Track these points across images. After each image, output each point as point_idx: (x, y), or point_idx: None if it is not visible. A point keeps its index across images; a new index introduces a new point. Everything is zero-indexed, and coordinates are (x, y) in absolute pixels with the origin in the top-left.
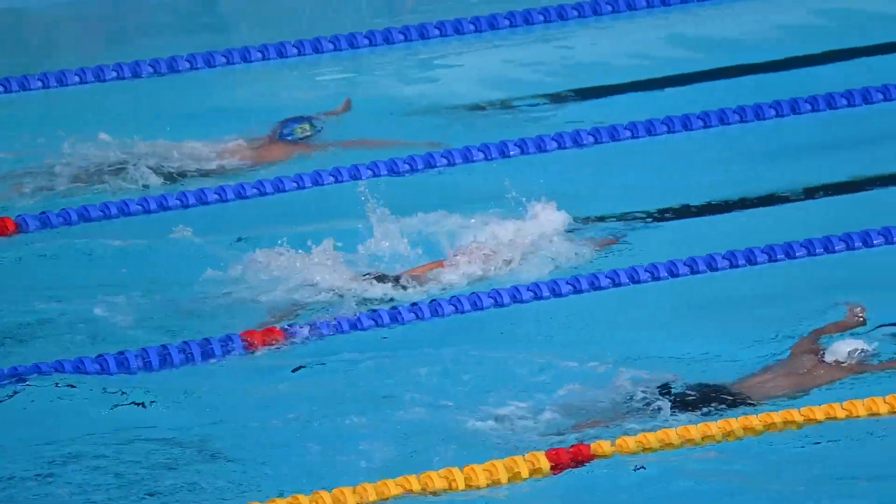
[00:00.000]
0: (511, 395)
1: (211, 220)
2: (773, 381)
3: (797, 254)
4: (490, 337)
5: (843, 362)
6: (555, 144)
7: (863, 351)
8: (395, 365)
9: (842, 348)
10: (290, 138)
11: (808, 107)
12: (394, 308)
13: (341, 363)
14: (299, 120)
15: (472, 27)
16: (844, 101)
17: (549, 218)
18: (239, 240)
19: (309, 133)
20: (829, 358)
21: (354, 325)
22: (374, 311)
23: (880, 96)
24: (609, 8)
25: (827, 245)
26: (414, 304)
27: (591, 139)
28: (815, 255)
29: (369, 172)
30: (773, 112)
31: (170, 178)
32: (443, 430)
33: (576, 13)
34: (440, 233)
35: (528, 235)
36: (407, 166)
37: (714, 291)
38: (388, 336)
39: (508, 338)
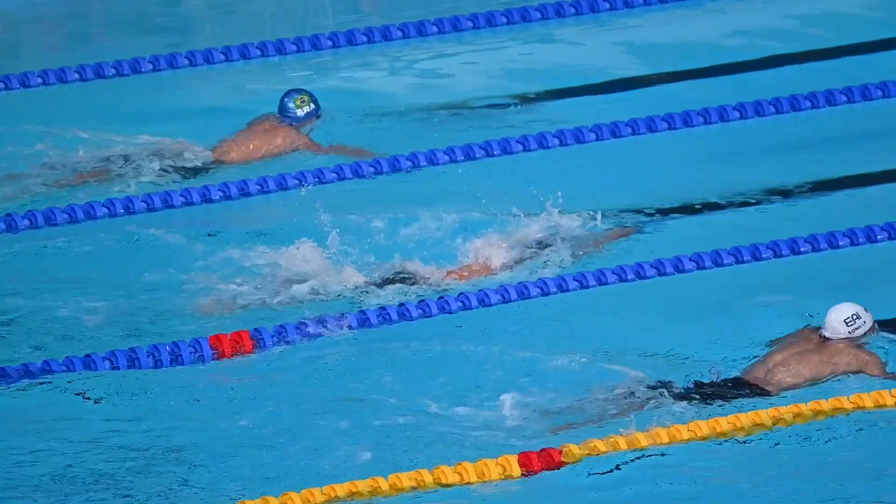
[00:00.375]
0: (487, 396)
1: (186, 221)
2: (775, 375)
3: (763, 255)
4: (463, 338)
5: (843, 337)
6: (520, 147)
7: (857, 315)
8: (371, 367)
9: (836, 321)
10: (290, 115)
11: (773, 109)
12: (362, 312)
13: (313, 365)
14: (298, 91)
15: (434, 29)
16: (808, 104)
17: (546, 220)
18: (209, 236)
19: (309, 107)
20: (828, 335)
21: (327, 328)
22: (342, 314)
23: (844, 98)
24: (572, 10)
25: (793, 246)
26: (382, 307)
27: (556, 141)
28: (782, 256)
29: (334, 175)
30: (737, 114)
31: (155, 177)
32: (420, 432)
33: (539, 15)
34: (416, 235)
35: (519, 240)
36: (371, 169)
37: (687, 292)
38: (360, 338)
39: (481, 339)
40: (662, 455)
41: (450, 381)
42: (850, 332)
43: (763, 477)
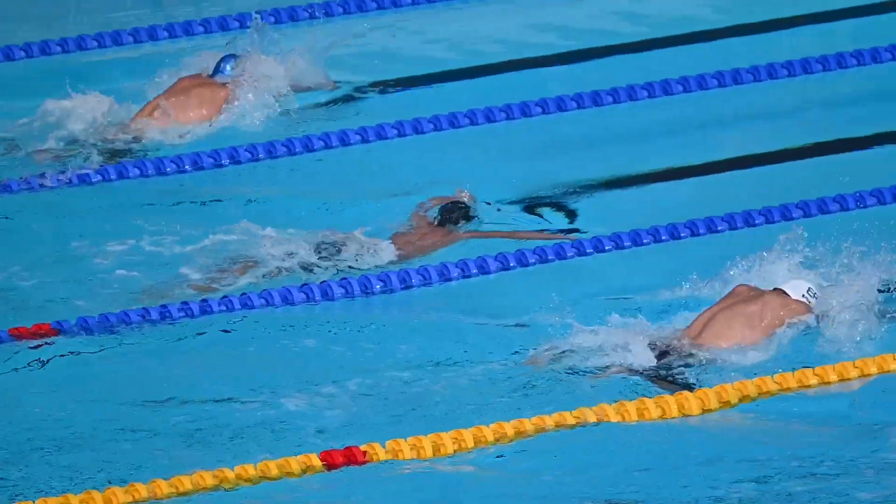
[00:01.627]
0: (313, 391)
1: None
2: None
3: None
4: (301, 330)
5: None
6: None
7: (814, 293)
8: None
9: (800, 284)
10: (224, 73)
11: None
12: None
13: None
14: (235, 57)
15: (237, 24)
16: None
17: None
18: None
19: (241, 72)
20: (785, 288)
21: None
22: (165, 306)
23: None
24: None
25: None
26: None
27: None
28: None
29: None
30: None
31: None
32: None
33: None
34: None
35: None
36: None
37: (577, 276)
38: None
39: (321, 331)
40: (468, 457)
41: (281, 375)
42: (802, 296)
43: (571, 477)
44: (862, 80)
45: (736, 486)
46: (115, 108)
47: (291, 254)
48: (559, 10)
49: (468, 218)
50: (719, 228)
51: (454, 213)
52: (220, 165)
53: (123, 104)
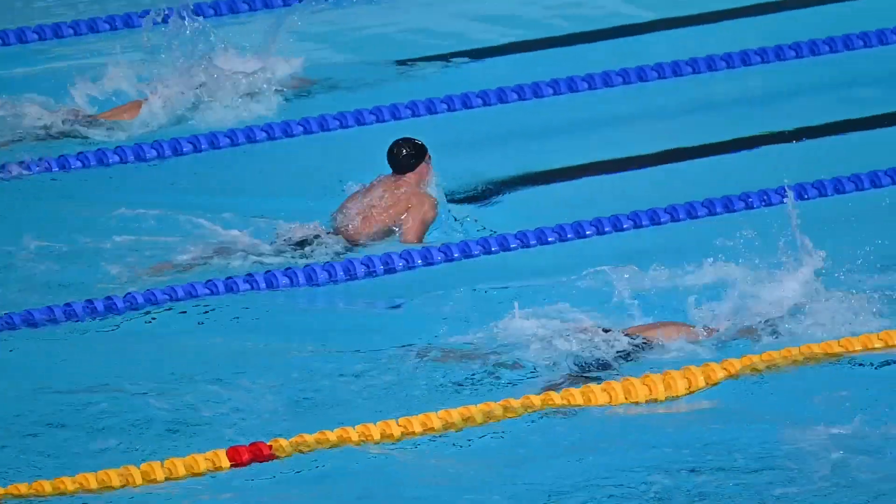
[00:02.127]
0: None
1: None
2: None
3: (624, 225)
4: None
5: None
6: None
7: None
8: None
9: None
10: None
11: (655, 74)
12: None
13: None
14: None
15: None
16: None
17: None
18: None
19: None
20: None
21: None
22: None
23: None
24: None
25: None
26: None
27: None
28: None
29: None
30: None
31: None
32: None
33: None
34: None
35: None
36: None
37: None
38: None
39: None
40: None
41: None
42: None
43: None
44: (769, 76)
45: (650, 477)
46: (33, 107)
47: (227, 249)
48: (464, 6)
49: (421, 156)
50: (625, 226)
51: (403, 152)
52: (144, 160)
53: (46, 102)
